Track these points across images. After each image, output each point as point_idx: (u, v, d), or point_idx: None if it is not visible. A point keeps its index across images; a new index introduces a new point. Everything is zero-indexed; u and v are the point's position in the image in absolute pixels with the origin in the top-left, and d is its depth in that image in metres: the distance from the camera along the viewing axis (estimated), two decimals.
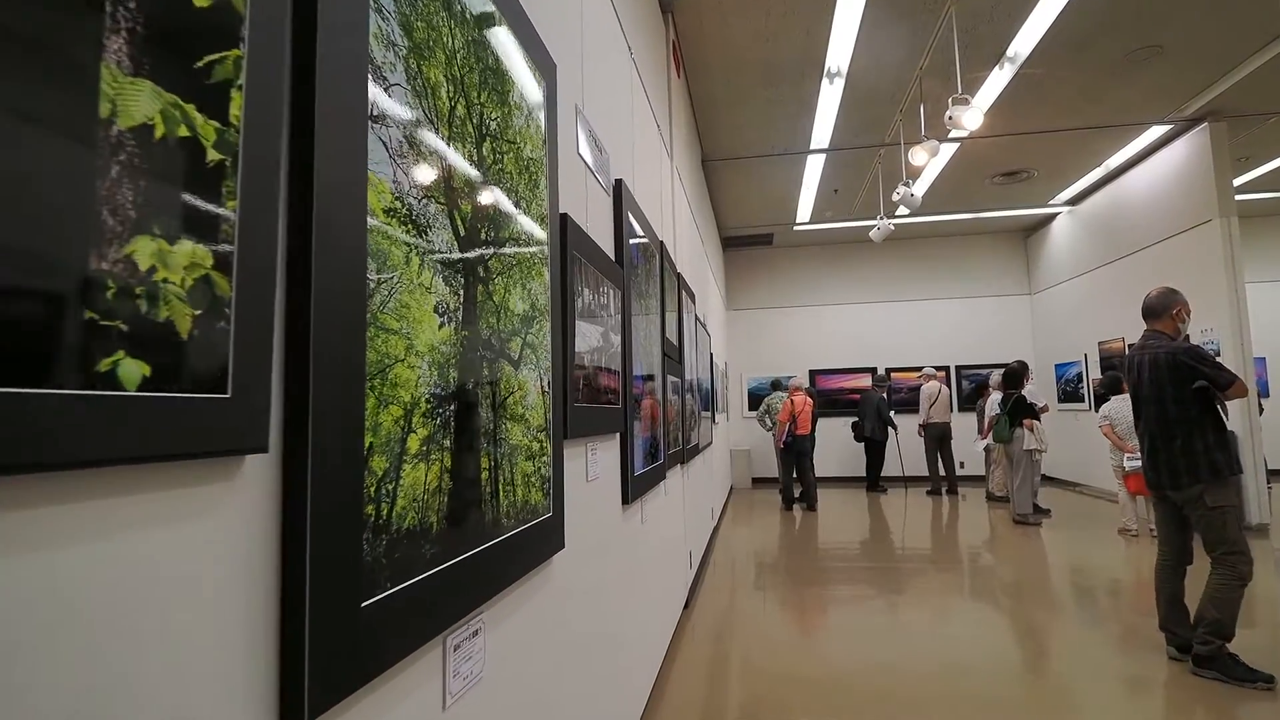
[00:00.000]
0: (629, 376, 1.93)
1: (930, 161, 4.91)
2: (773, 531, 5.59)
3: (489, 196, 0.98)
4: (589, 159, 1.64)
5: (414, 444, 0.74)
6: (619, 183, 2.00)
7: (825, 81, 4.67)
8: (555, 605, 1.28)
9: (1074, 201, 7.40)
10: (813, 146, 5.82)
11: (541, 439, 1.17)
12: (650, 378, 2.38)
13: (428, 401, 0.77)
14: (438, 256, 0.81)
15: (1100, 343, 6.85)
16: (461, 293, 0.88)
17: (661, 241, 2.81)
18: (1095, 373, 6.98)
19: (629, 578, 1.99)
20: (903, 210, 7.32)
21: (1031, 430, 5.14)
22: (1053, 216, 8.03)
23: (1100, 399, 6.49)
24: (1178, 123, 5.35)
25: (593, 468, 1.59)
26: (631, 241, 2.12)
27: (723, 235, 8.65)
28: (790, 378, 7.55)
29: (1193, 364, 2.43)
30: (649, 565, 2.34)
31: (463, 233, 0.89)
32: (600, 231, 1.79)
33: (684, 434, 3.34)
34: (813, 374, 9.05)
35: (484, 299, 0.95)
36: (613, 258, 1.91)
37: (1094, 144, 5.81)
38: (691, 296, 4.08)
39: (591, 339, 1.54)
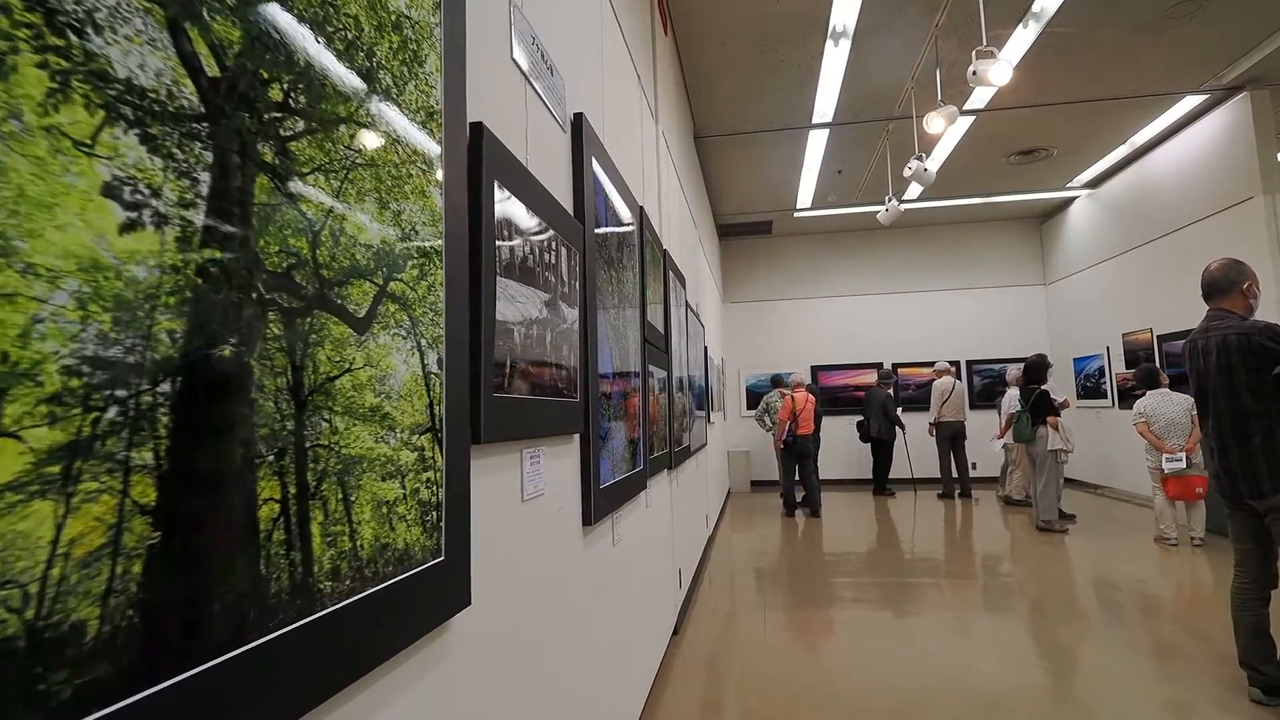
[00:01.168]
0: (590, 362, 1.55)
1: (946, 130, 4.53)
2: (774, 540, 5.21)
3: (292, 34, 0.59)
4: (525, 66, 1.24)
5: (16, 464, 0.35)
6: (579, 117, 1.61)
7: (829, 43, 4.28)
8: (460, 683, 0.89)
9: (1094, 184, 7.04)
10: (815, 120, 5.43)
11: (423, 445, 0.78)
12: (628, 371, 1.99)
13: (69, 376, 0.38)
14: (117, 87, 0.42)
15: (1124, 334, 6.49)
16: (208, 179, 0.49)
17: (642, 207, 2.42)
18: (1119, 367, 6.62)
19: (593, 616, 1.60)
20: (913, 191, 6.99)
21: (1056, 429, 4.77)
22: (1070, 201, 7.67)
23: (1127, 395, 6.20)
24: (1215, 91, 4.99)
25: (532, 482, 1.20)
26: (599, 196, 1.73)
27: (719, 223, 8.27)
28: (790, 374, 7.16)
29: (1272, 345, 2.05)
30: (623, 596, 1.95)
31: (212, 70, 0.49)
32: (551, 173, 1.40)
33: (672, 435, 2.95)
34: (815, 370, 8.67)
35: (276, 203, 0.56)
36: (570, 210, 1.52)
37: (1120, 118, 5.44)
38: (682, 280, 3.69)
39: (529, 307, 1.15)
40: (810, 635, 3.05)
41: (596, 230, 1.71)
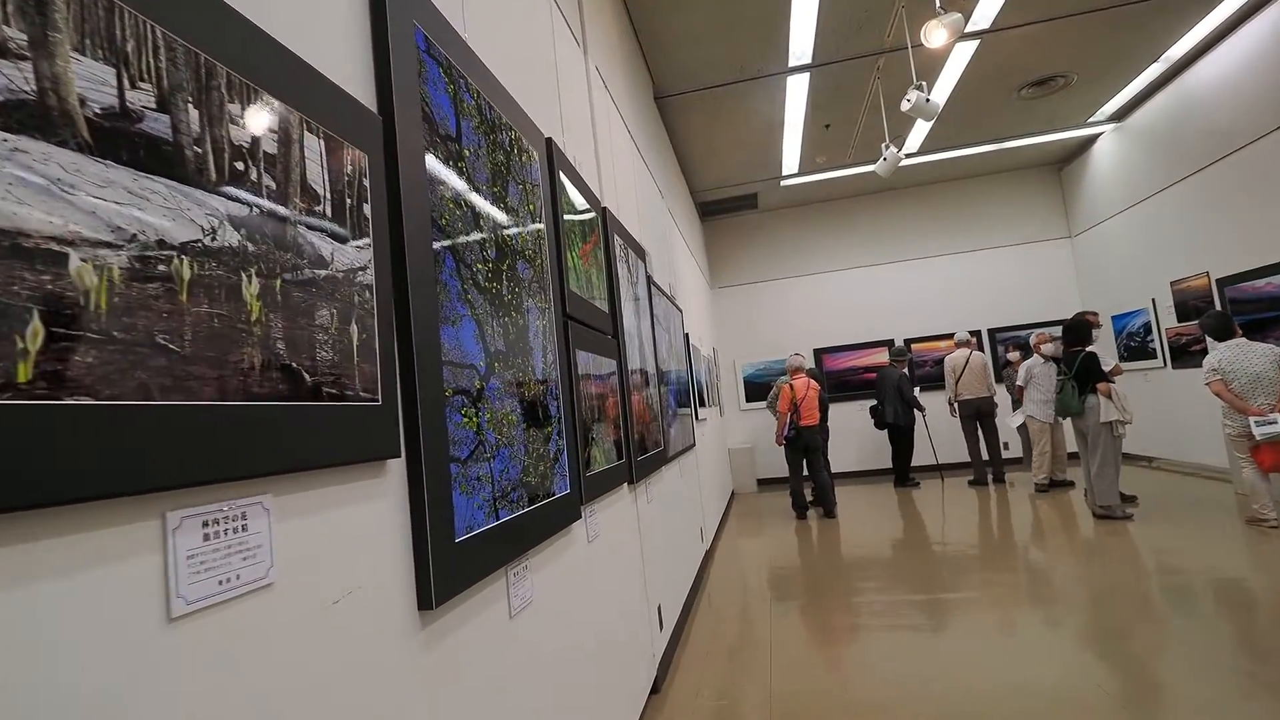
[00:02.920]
0: (424, 340, 0.97)
1: (951, 47, 3.94)
2: (783, 549, 4.62)
3: None
4: None
5: None
6: None
7: None
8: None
9: (1121, 116, 6.43)
10: (792, 63, 4.85)
11: None
12: (530, 359, 1.42)
13: None
14: None
15: (1174, 283, 5.87)
16: None
17: (550, 139, 1.85)
18: (1169, 321, 6.01)
19: None
20: (914, 141, 6.39)
21: (1109, 397, 4.16)
22: (1093, 140, 7.06)
23: (1183, 352, 5.56)
24: None
25: (206, 573, 0.62)
26: (431, 71, 1.16)
27: (698, 201, 7.69)
28: (790, 357, 6.52)
29: None
30: (541, 684, 1.37)
31: None
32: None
33: (630, 439, 2.37)
34: (819, 354, 8.08)
35: None
36: (343, 82, 0.94)
37: (1150, 27, 4.83)
38: (640, 253, 3.11)
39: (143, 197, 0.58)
40: (836, 673, 2.46)
41: (440, 134, 1.13)
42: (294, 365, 0.73)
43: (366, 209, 0.91)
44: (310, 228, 0.79)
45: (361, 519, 0.86)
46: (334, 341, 0.80)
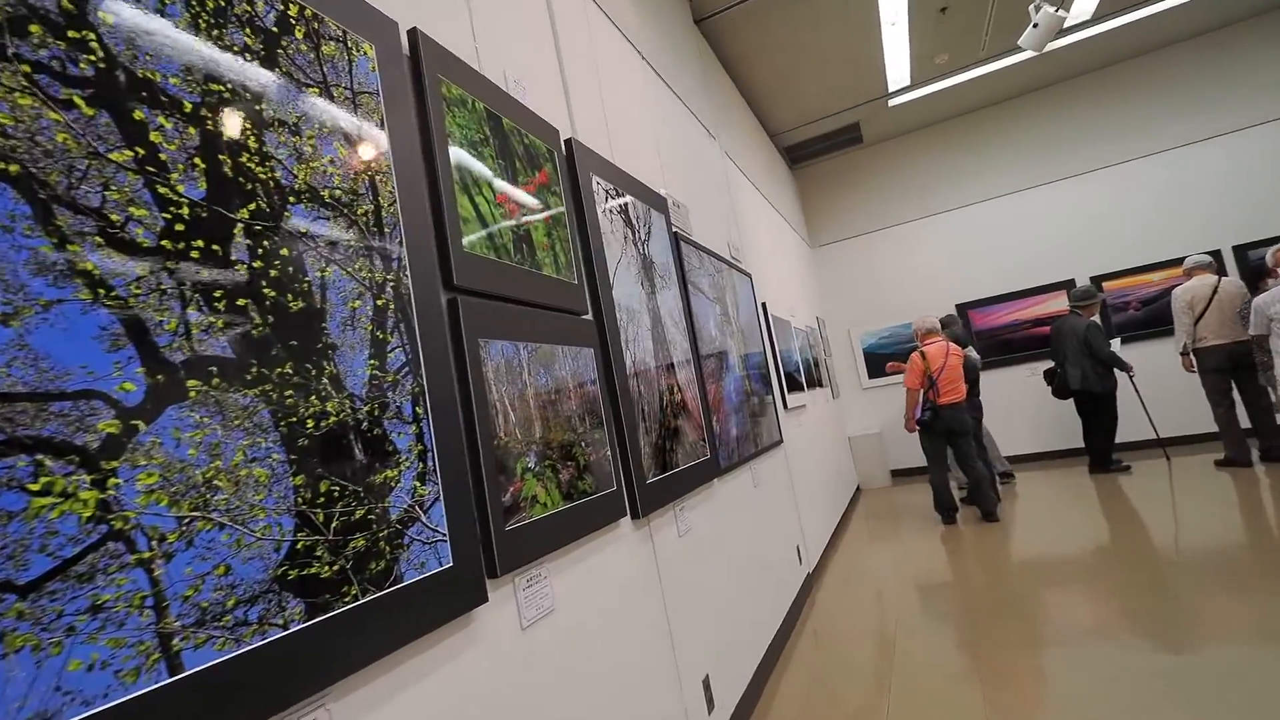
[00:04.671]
0: None
1: None
2: (922, 567, 3.78)
3: None
4: None
5: None
6: None
7: None
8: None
9: None
10: None
11: None
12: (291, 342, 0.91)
13: None
14: None
15: None
16: None
17: (415, 31, 1.32)
18: None
19: None
20: (1080, 7, 5.11)
21: None
22: None
23: None
24: None
25: None
26: None
27: (782, 146, 6.82)
28: (916, 323, 5.44)
29: None
30: None
31: None
32: None
33: (659, 448, 1.81)
34: (963, 310, 6.90)
35: None
36: None
37: None
38: (656, 204, 2.52)
39: None
40: None
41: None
42: None
43: None
44: None
45: None
46: None
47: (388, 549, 0.98)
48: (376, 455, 1.00)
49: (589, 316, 1.80)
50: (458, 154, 1.35)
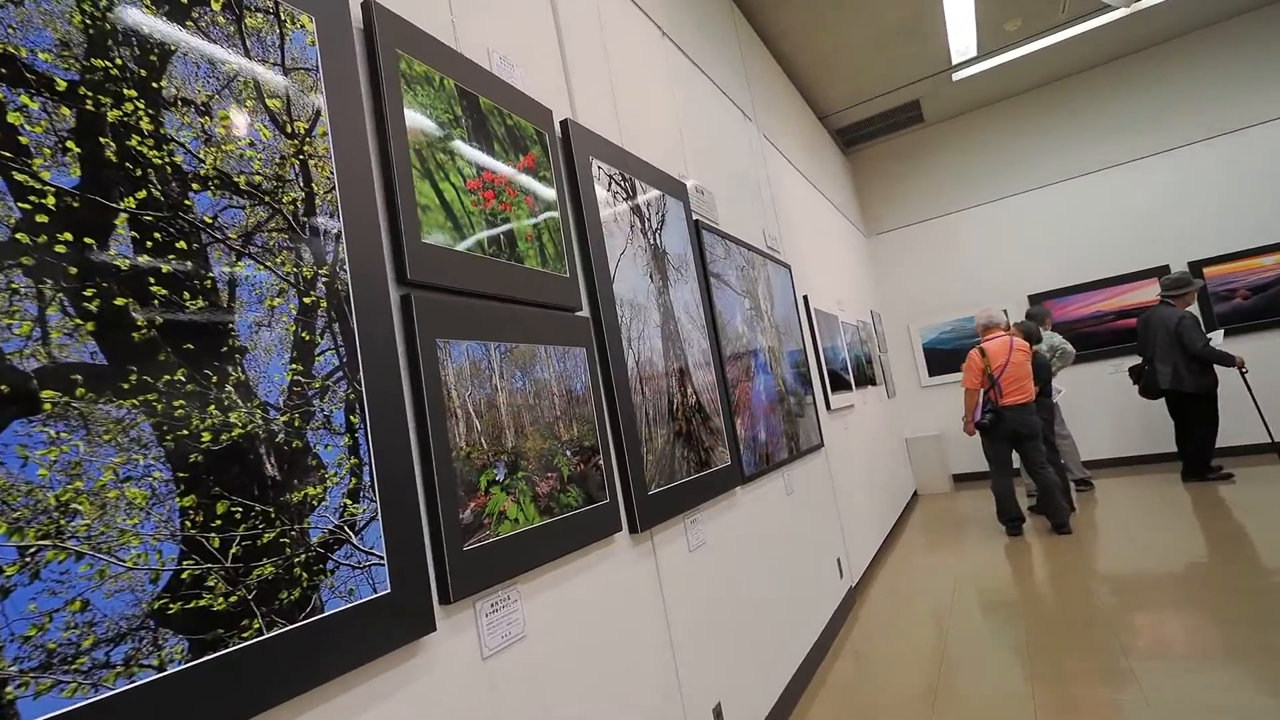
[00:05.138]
0: None
1: None
2: (982, 584, 3.50)
3: None
4: None
5: None
6: None
7: None
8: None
9: None
10: None
11: None
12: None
13: None
14: None
15: None
16: None
17: (369, 3, 1.23)
18: None
19: None
20: None
21: None
22: None
23: None
24: None
25: None
26: None
27: (834, 128, 6.51)
28: (978, 316, 5.08)
29: None
30: None
31: None
32: None
33: (670, 453, 1.69)
34: (1035, 301, 6.44)
35: None
36: None
37: None
38: (674, 190, 2.38)
39: None
40: None
41: None
42: None
43: None
44: None
45: None
46: None
47: (304, 576, 0.89)
48: (295, 471, 0.91)
49: (583, 313, 1.68)
50: (419, 136, 1.25)
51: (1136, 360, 5.38)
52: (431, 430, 1.13)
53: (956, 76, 5.97)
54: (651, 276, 2.03)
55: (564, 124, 1.75)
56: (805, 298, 3.86)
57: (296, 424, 0.92)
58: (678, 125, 2.60)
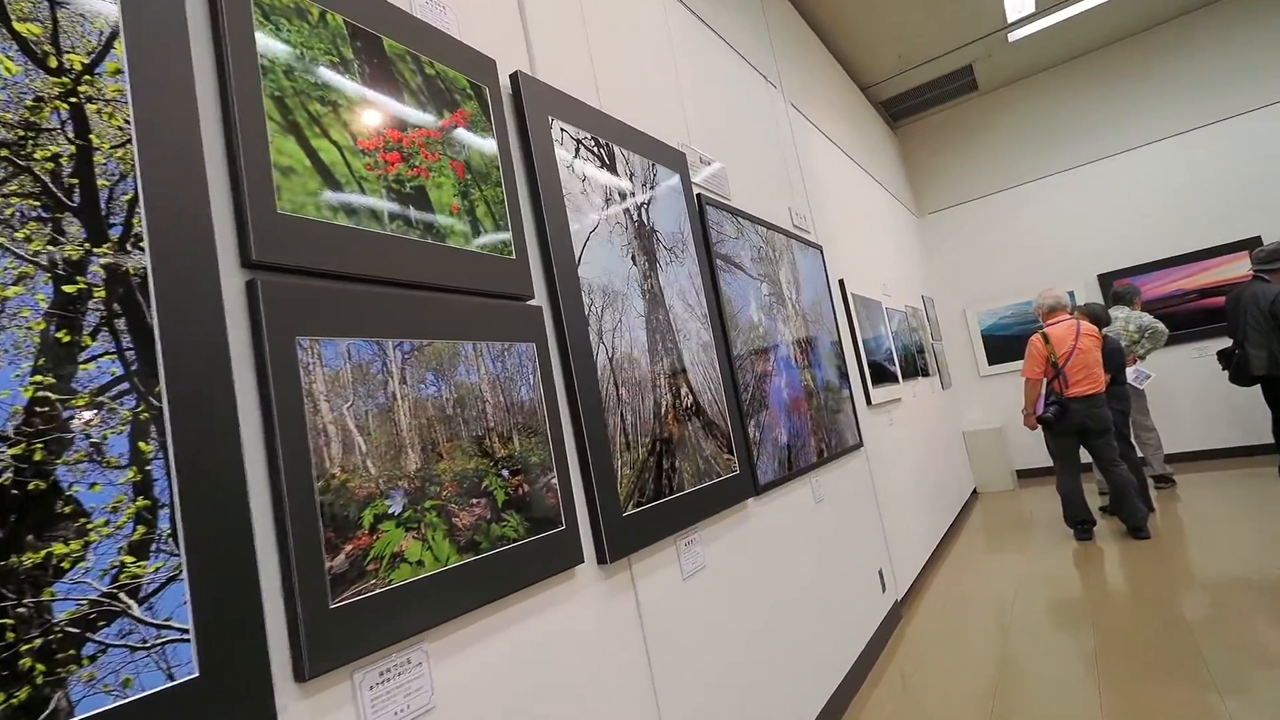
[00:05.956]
0: None
1: None
2: (1050, 603, 3.04)
3: None
4: None
5: None
6: None
7: None
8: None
9: None
10: None
11: None
12: None
13: None
14: None
15: None
16: None
17: None
18: None
19: None
20: None
21: None
22: None
23: None
24: None
25: None
26: None
27: (879, 100, 5.99)
28: (1044, 297, 4.47)
29: None
30: None
31: None
32: None
33: (649, 465, 1.39)
34: (1105, 280, 5.78)
35: None
36: None
37: None
38: (667, 159, 2.05)
39: None
40: None
41: None
42: None
43: None
44: None
45: None
46: None
47: (39, 667, 0.63)
48: (29, 523, 0.65)
49: (536, 302, 1.39)
50: (282, 82, 0.98)
51: (1226, 343, 4.72)
52: (283, 455, 0.86)
53: (1013, 37, 5.37)
54: (634, 258, 1.71)
55: (514, 77, 1.46)
56: (841, 282, 3.46)
57: (37, 458, 0.66)
58: (677, 88, 2.26)
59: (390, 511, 0.98)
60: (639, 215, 1.78)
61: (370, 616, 0.91)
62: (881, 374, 3.76)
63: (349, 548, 0.91)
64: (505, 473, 1.19)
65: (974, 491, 5.79)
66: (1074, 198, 5.93)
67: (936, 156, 6.57)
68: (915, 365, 4.71)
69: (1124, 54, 5.74)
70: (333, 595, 0.88)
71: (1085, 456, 4.02)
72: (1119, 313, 4.69)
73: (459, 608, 1.04)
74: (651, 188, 1.87)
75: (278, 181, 0.94)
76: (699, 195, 2.13)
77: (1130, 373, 4.44)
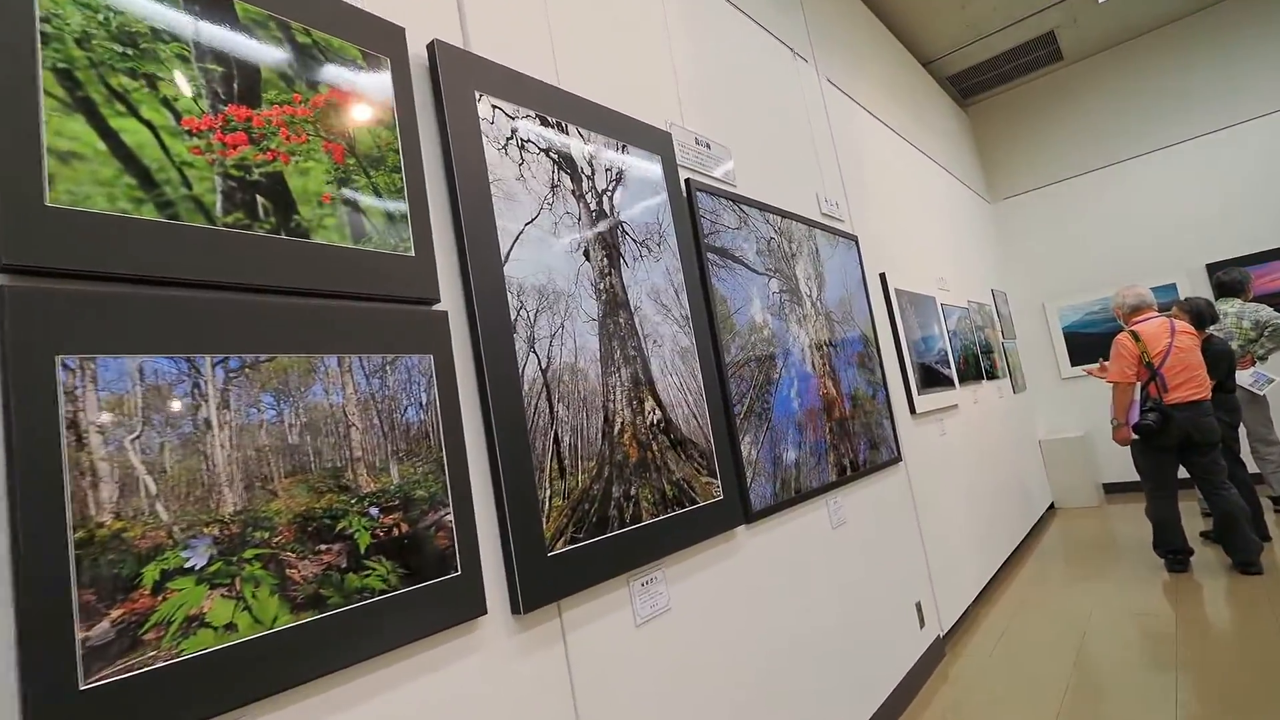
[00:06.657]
0: None
1: None
2: (1131, 646, 2.58)
3: None
4: None
5: None
6: None
7: None
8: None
9: None
10: None
11: None
12: None
13: None
14: None
15: None
16: None
17: None
18: None
19: None
20: None
21: None
22: None
23: None
24: None
25: None
26: None
27: (944, 76, 5.45)
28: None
29: None
30: None
31: None
32: None
33: (626, 495, 1.18)
34: (1213, 269, 5.03)
35: None
36: None
37: None
38: (648, 141, 1.81)
39: None
40: None
41: None
42: None
43: None
44: None
45: None
46: None
47: None
48: None
49: (443, 305, 1.19)
50: (70, 49, 0.81)
51: None
52: (21, 500, 0.69)
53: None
54: (588, 253, 1.48)
55: (431, 47, 1.26)
56: (883, 276, 3.09)
57: None
58: (669, 59, 2.01)
59: (188, 565, 0.80)
60: (598, 204, 1.55)
61: (147, 697, 0.74)
62: (933, 378, 3.35)
63: (117, 613, 0.74)
64: (374, 511, 0.99)
65: (1051, 506, 5.19)
66: (1175, 179, 5.19)
67: (1014, 136, 5.94)
68: (978, 367, 4.22)
69: (1234, 11, 4.95)
70: (86, 674, 0.71)
71: (1180, 474, 3.45)
72: (1229, 306, 4.02)
73: (291, 678, 0.86)
74: (617, 172, 1.63)
75: (52, 169, 0.77)
76: (687, 180, 1.88)
77: (1246, 375, 3.81)
